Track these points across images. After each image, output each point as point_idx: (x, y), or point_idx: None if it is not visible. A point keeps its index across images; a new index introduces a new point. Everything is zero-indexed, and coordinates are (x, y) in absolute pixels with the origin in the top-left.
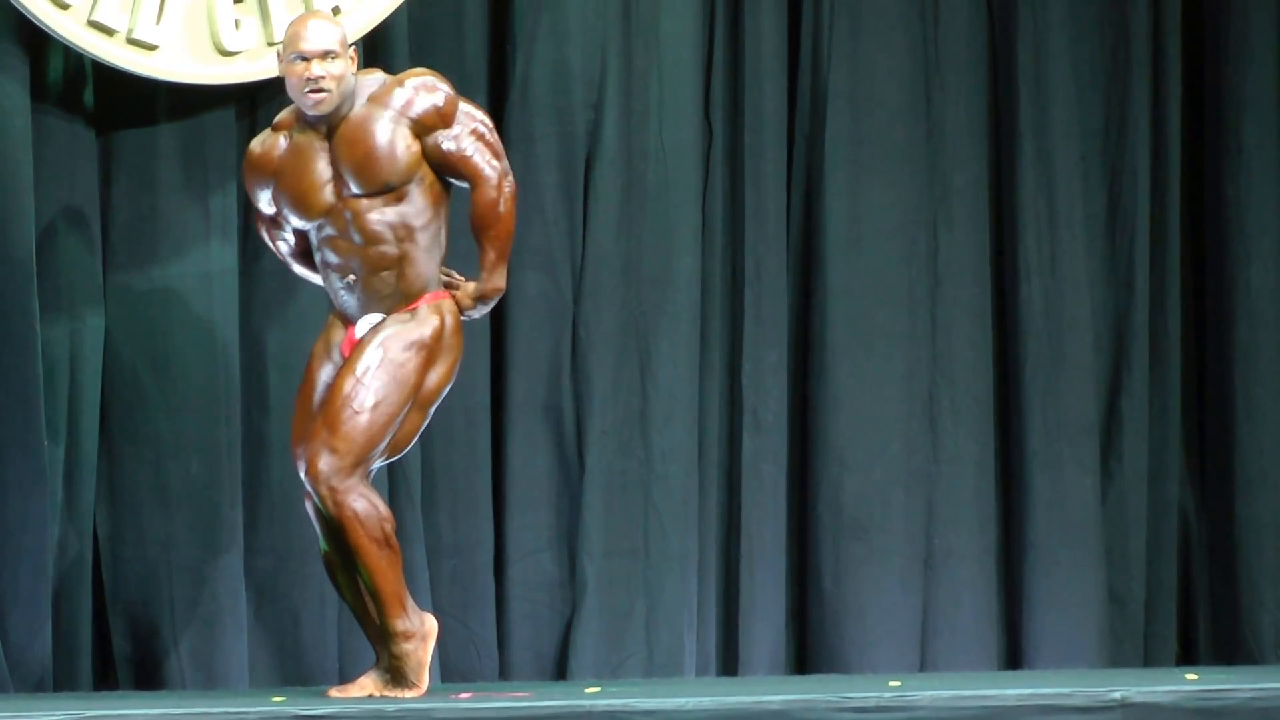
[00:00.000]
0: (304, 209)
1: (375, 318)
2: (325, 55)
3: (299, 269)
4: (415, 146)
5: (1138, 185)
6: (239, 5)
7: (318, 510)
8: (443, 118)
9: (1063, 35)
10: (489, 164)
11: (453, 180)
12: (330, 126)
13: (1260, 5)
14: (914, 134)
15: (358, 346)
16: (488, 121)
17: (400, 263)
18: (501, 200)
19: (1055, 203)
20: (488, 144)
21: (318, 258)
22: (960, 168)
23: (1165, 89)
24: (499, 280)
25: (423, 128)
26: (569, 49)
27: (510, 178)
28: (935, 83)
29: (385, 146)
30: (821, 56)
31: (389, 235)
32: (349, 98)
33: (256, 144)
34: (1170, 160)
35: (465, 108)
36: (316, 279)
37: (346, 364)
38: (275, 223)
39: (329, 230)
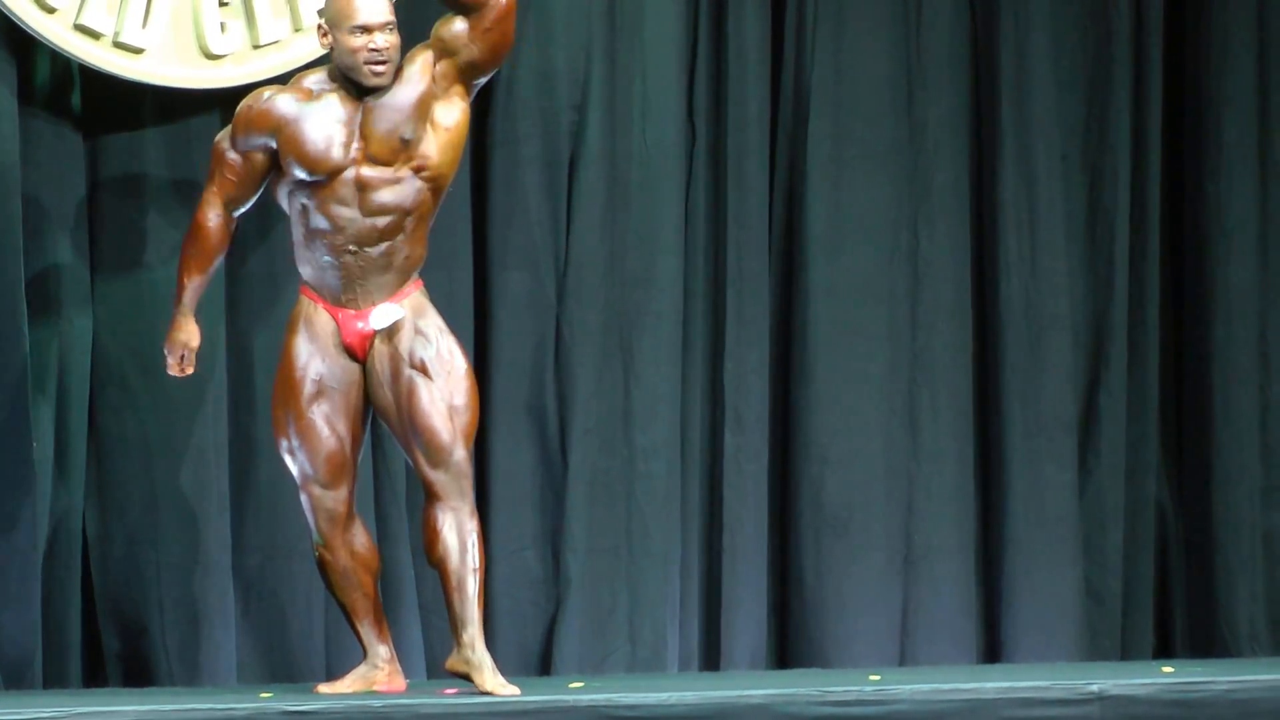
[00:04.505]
0: (313, 162)
1: (392, 310)
2: (385, 26)
3: (212, 242)
4: (440, 94)
5: (1118, 184)
6: (224, 9)
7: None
8: (439, 38)
9: (1044, 35)
10: None
11: (463, 6)
12: (365, 96)
13: (1240, 4)
14: (896, 133)
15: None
16: None
17: (397, 239)
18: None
19: (1036, 201)
20: None
21: (304, 225)
22: (941, 167)
23: (1146, 88)
24: None
25: (443, 47)
26: (553, 50)
27: None
28: (917, 82)
29: (413, 101)
30: (804, 56)
31: (391, 210)
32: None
33: (265, 97)
34: (1150, 159)
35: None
36: (208, 259)
37: (425, 386)
38: (246, 178)
39: (333, 196)
